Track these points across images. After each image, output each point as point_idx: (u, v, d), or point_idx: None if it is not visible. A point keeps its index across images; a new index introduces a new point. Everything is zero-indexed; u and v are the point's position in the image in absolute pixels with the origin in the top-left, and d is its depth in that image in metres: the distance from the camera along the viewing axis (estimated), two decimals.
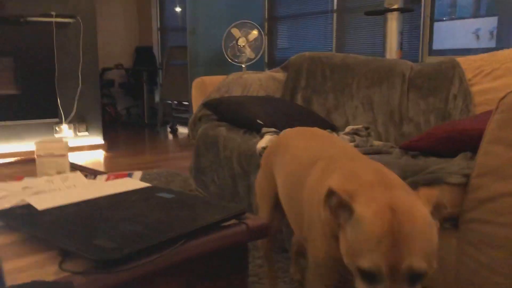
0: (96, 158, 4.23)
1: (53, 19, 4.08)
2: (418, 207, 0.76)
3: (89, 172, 1.29)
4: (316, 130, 1.35)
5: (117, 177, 1.20)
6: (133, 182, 1.08)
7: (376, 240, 0.73)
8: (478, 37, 3.82)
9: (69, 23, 4.21)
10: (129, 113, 6.99)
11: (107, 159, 4.18)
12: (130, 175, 1.22)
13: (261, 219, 0.87)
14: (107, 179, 1.18)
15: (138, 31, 7.10)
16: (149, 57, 6.93)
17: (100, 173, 1.29)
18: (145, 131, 6.07)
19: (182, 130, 5.76)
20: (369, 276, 0.73)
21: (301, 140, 1.25)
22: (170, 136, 5.66)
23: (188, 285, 0.79)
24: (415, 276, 0.72)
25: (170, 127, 5.85)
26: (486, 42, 3.77)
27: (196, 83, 2.66)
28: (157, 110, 6.15)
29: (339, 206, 0.79)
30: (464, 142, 1.50)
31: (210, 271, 0.82)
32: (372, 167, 0.91)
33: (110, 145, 4.77)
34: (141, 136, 5.72)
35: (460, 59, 2.17)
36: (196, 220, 0.78)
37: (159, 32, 7.10)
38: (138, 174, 1.21)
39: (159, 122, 5.95)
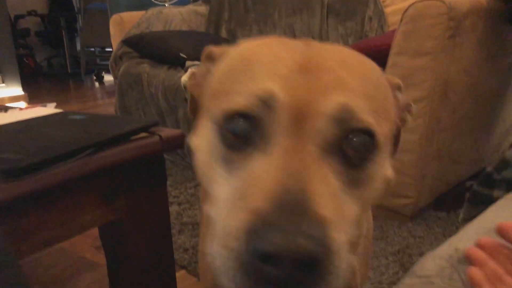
0: None
1: None
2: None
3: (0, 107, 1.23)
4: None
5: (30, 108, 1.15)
6: (46, 110, 1.05)
7: (269, 62, 0.42)
8: None
9: None
10: (50, 63, 6.59)
11: None
12: (44, 106, 1.18)
13: (176, 130, 0.89)
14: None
15: None
16: (66, 1, 6.48)
17: (12, 107, 1.23)
18: (69, 81, 5.78)
19: (108, 78, 5.55)
20: (243, 129, 0.40)
21: None
22: (96, 84, 5.44)
23: (105, 196, 0.80)
24: (352, 135, 0.39)
25: (95, 75, 5.61)
26: None
27: (114, 20, 2.55)
28: (79, 59, 5.84)
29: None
30: (376, 57, 1.57)
31: (127, 183, 0.84)
32: None
33: (32, 96, 4.51)
34: (65, 86, 5.46)
35: None
36: (105, 133, 0.78)
37: None
38: (52, 104, 1.18)
39: (82, 71, 5.67)
